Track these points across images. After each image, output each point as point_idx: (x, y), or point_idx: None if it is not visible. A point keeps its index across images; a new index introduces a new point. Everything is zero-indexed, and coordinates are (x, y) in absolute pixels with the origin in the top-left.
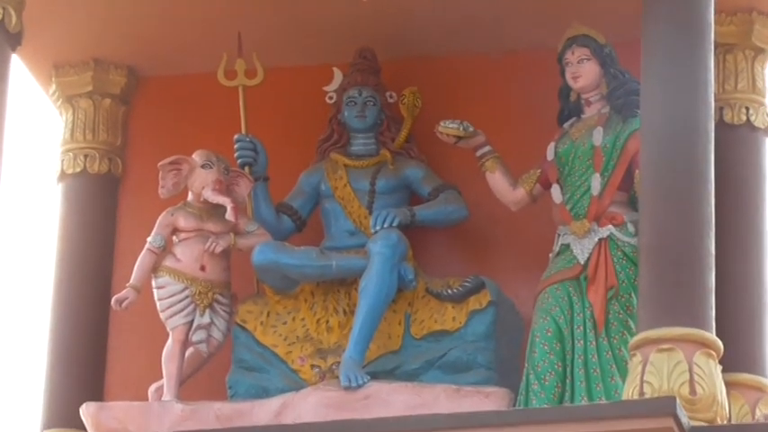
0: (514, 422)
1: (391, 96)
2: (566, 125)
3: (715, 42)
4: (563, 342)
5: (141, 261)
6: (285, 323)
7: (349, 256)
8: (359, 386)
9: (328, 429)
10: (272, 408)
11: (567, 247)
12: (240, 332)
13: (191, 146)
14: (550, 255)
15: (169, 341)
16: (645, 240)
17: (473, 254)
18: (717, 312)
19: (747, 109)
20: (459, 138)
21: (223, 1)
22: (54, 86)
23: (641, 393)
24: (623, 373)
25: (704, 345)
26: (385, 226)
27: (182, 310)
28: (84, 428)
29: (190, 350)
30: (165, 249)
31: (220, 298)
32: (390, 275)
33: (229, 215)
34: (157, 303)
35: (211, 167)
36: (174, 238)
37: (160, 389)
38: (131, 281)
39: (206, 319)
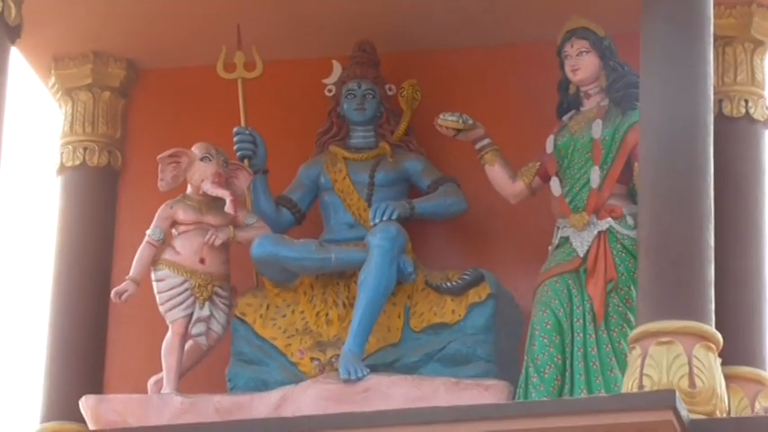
0: (514, 415)
1: (390, 89)
2: (565, 118)
3: (714, 35)
4: (562, 335)
5: (141, 254)
6: (284, 316)
7: (348, 248)
8: (358, 379)
9: (328, 422)
10: (271, 401)
11: (566, 239)
12: (239, 325)
13: (190, 138)
14: (550, 247)
15: (168, 334)
16: (644, 233)
17: (472, 247)
18: (716, 305)
19: (747, 101)
20: (459, 130)
21: None
22: (53, 79)
23: (641, 386)
24: (623, 366)
25: (703, 338)
26: (384, 219)
27: (181, 302)
28: (84, 421)
29: (189, 343)
30: (165, 242)
31: (220, 291)
32: (390, 268)
33: (229, 208)
34: (157, 296)
35: (211, 160)
36: (174, 230)
37: (159, 382)
38: (131, 274)
39: (205, 312)
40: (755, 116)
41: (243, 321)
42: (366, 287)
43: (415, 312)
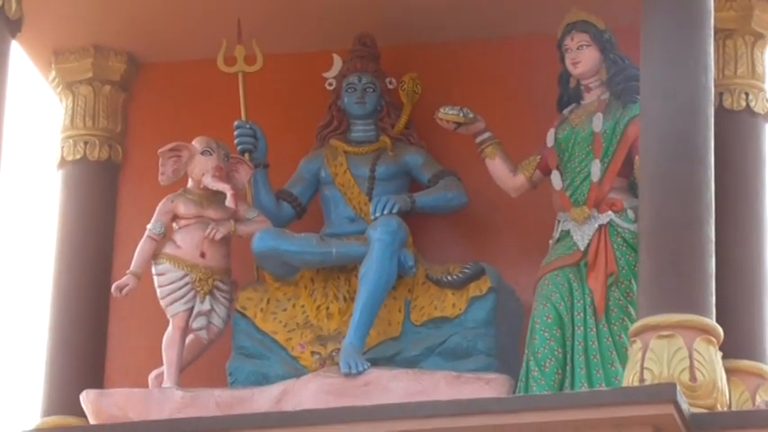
0: (515, 409)
1: (391, 83)
2: (565, 111)
3: (714, 28)
4: (563, 328)
5: (141, 248)
6: (285, 310)
7: (349, 242)
8: (359, 373)
9: (329, 416)
10: (272, 395)
11: (567, 233)
12: (240, 319)
13: (191, 132)
14: (550, 241)
15: (169, 328)
16: (645, 226)
17: (473, 240)
18: (717, 299)
19: (747, 94)
20: (459, 124)
21: None
22: (54, 73)
23: (641, 380)
24: (623, 360)
25: (704, 331)
26: (385, 212)
27: (182, 296)
28: (85, 416)
29: (190, 337)
30: (166, 236)
31: (220, 285)
32: (390, 262)
33: (229, 202)
34: (157, 290)
35: (211, 154)
36: (174, 224)
37: (160, 376)
38: (131, 268)
39: (206, 306)
40: (756, 109)
41: (244, 315)
42: (367, 281)
43: (415, 306)
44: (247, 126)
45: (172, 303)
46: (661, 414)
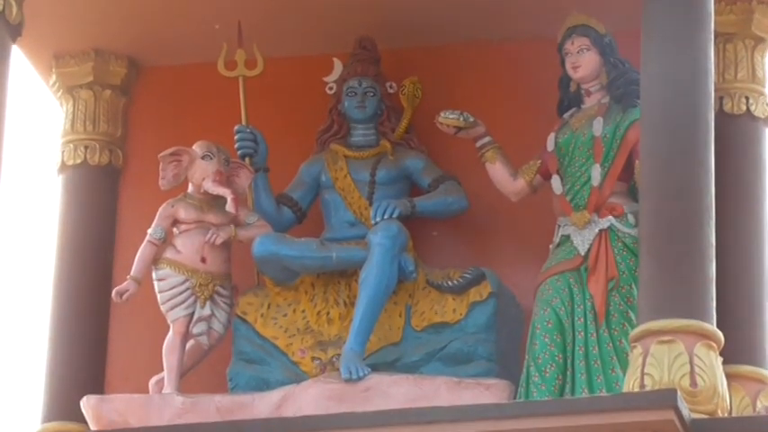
0: (515, 414)
1: (391, 87)
2: (565, 115)
3: (715, 32)
4: (564, 334)
5: (142, 253)
6: (285, 315)
7: (349, 247)
8: (359, 378)
9: (329, 422)
10: (272, 400)
11: (567, 238)
12: (241, 324)
13: (191, 137)
14: (551, 246)
15: (170, 333)
16: (645, 231)
17: (473, 245)
18: (717, 304)
19: (747, 98)
20: (460, 128)
21: None
22: (54, 77)
23: (642, 385)
24: (624, 365)
25: (705, 336)
26: (385, 217)
27: (182, 302)
28: (85, 421)
29: (190, 342)
30: (166, 241)
31: (221, 290)
32: (391, 267)
33: (230, 206)
34: (158, 295)
35: (212, 158)
36: (175, 229)
37: (161, 381)
38: (132, 273)
39: (206, 312)
40: (756, 113)
41: (244, 320)
42: (367, 286)
43: (416, 311)
44: (248, 130)
45: (172, 308)
46: (662, 420)
